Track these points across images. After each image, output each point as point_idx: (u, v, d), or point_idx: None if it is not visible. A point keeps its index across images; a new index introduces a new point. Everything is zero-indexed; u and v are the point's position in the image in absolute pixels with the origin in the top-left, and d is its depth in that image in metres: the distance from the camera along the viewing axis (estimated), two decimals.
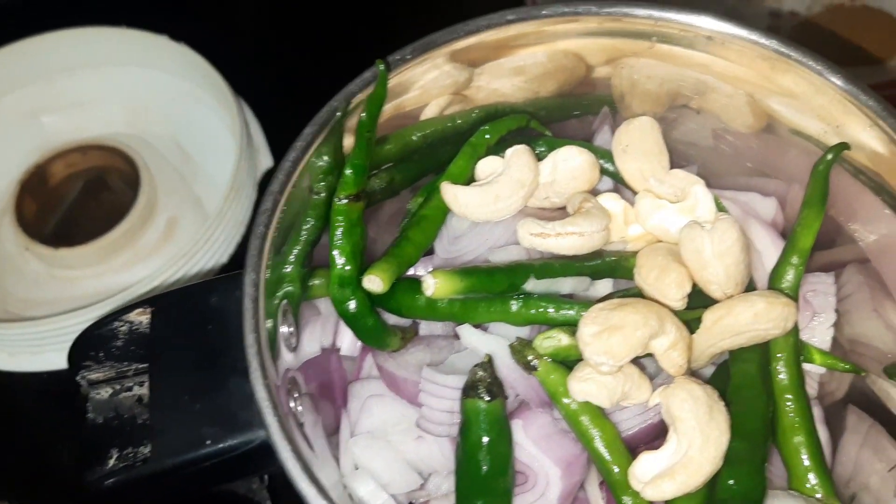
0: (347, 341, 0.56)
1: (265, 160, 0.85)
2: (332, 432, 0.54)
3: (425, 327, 0.56)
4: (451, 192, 0.51)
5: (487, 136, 0.54)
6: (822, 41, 0.91)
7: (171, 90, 0.88)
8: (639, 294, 0.48)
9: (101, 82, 0.89)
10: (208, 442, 0.42)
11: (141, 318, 0.46)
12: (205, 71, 0.82)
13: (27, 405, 0.74)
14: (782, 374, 0.50)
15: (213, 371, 0.44)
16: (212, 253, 0.77)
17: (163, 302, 0.46)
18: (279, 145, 0.83)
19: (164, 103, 0.89)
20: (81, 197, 0.84)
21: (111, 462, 0.45)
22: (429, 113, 0.57)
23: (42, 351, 0.74)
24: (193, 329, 0.45)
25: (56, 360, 0.73)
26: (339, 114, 0.48)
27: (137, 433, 0.45)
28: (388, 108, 0.54)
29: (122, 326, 0.46)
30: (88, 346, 0.47)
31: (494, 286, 0.48)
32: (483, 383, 0.45)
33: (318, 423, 0.53)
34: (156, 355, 0.44)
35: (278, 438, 0.38)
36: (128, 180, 0.83)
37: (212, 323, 0.45)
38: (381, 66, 0.48)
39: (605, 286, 0.52)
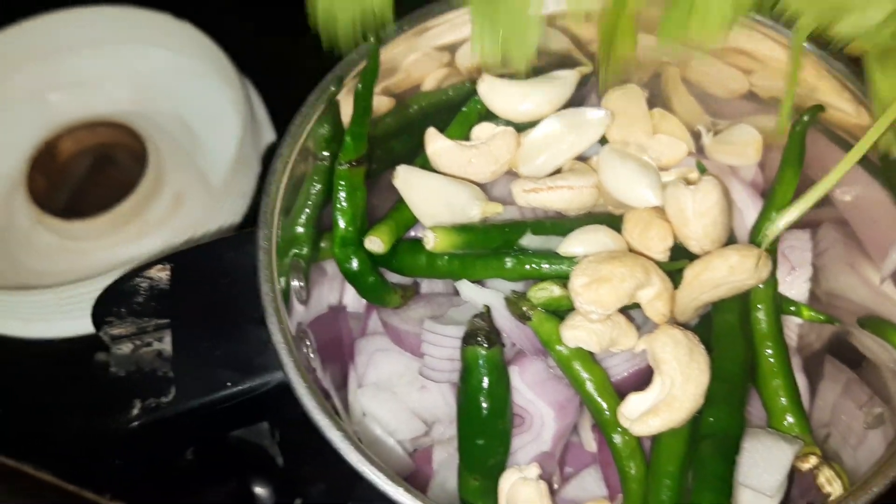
0: (352, 300, 0.59)
1: (268, 135, 0.87)
2: (340, 387, 0.57)
3: (426, 286, 0.59)
4: (432, 138, 0.54)
5: (479, 106, 0.57)
6: None
7: (175, 67, 0.90)
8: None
9: (106, 60, 0.91)
10: (228, 384, 0.45)
11: (161, 274, 0.49)
12: (208, 48, 0.84)
13: (40, 370, 0.76)
14: (762, 323, 0.53)
15: (230, 321, 0.47)
16: (217, 225, 0.79)
17: (181, 258, 0.49)
18: (281, 120, 0.85)
19: (168, 80, 0.91)
20: (90, 172, 0.87)
21: (135, 411, 0.48)
22: (427, 85, 0.60)
23: (55, 319, 0.76)
24: (210, 283, 0.48)
25: (68, 327, 0.76)
26: (332, 87, 0.51)
27: (159, 385, 0.48)
28: (393, 82, 0.57)
29: (142, 283, 0.49)
30: (111, 301, 0.50)
31: (489, 241, 0.51)
32: (482, 331, 0.49)
33: (327, 377, 0.56)
34: (176, 307, 0.47)
35: (294, 376, 0.41)
36: (134, 156, 0.85)
37: (227, 277, 0.48)
38: (372, 40, 0.53)
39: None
